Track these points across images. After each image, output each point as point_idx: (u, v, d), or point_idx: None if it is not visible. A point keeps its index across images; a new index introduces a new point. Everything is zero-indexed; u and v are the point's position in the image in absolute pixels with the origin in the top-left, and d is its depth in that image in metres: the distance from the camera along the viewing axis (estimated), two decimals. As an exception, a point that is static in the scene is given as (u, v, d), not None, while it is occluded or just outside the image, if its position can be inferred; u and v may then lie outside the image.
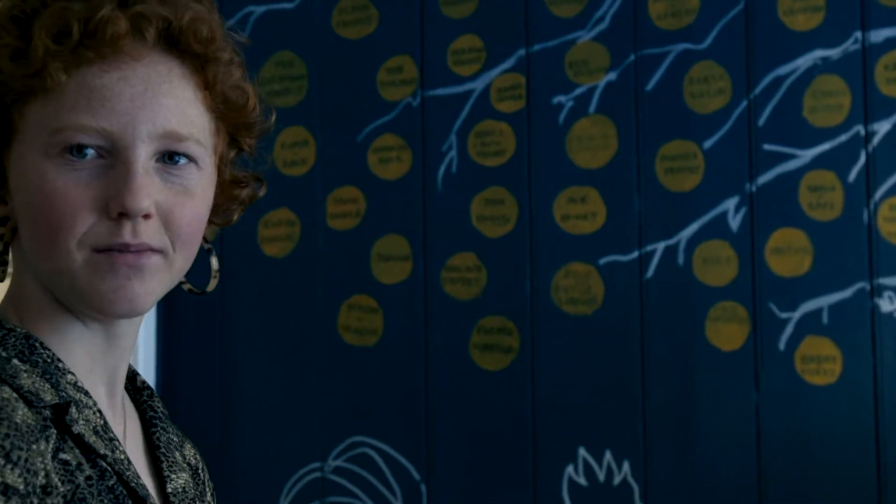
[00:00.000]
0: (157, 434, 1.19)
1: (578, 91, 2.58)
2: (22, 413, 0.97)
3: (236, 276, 2.65)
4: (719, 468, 2.46)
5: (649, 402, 2.50)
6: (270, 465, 2.67)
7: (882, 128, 2.45)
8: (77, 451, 1.01)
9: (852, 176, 2.45)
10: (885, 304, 2.42)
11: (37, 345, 1.06)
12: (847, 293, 2.44)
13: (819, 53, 2.48)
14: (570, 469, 2.53)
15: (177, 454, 1.20)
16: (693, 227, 2.51)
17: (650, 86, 2.55)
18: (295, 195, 2.70)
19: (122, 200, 1.02)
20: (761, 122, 2.49)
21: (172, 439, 1.21)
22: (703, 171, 2.51)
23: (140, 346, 2.65)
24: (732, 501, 2.45)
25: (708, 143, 2.51)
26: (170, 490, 1.14)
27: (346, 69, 2.70)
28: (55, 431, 1.00)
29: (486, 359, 2.58)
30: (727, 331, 2.48)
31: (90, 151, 1.03)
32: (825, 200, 2.46)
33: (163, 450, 1.18)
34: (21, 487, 0.93)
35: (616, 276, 2.53)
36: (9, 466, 0.92)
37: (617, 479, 2.51)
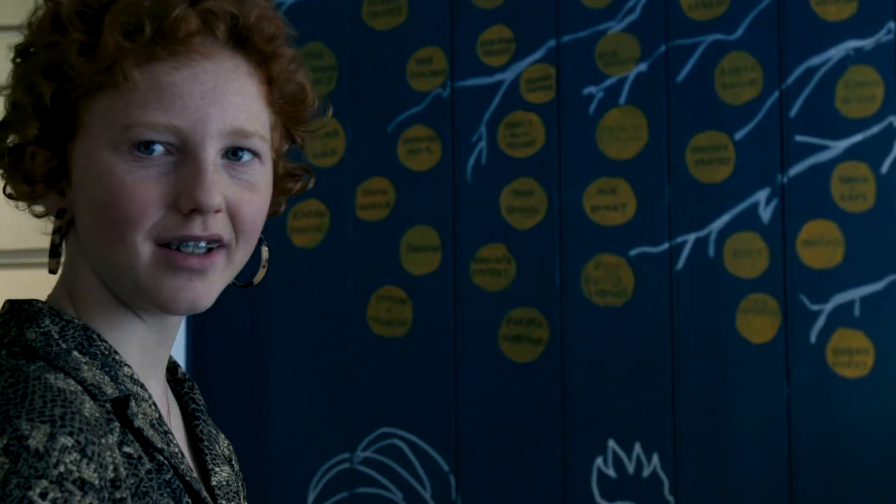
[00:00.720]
0: (200, 427, 1.19)
1: (609, 82, 2.57)
2: (89, 406, 0.98)
3: (266, 267, 2.64)
4: (749, 461, 2.45)
5: (679, 395, 2.49)
6: (300, 456, 2.67)
7: (915, 119, 2.43)
8: (137, 444, 1.02)
9: (885, 167, 2.44)
10: (918, 297, 2.41)
11: (94, 336, 1.07)
12: (879, 285, 2.43)
13: (852, 44, 2.46)
14: (599, 461, 2.52)
15: (216, 447, 1.20)
16: (724, 219, 2.50)
17: (681, 77, 2.53)
18: (324, 186, 2.70)
19: (196, 197, 1.03)
20: (793, 113, 2.48)
21: (212, 432, 1.22)
22: (734, 163, 2.50)
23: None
24: (763, 495, 2.44)
25: (739, 135, 2.50)
26: (214, 483, 1.15)
27: (376, 60, 2.70)
28: (118, 425, 1.01)
29: (515, 350, 2.58)
30: (758, 323, 2.47)
31: (159, 148, 1.04)
32: (857, 192, 2.45)
33: (206, 443, 1.18)
34: (96, 482, 0.93)
35: (646, 267, 2.53)
36: (84, 461, 0.93)
37: (646, 472, 2.50)
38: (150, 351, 1.11)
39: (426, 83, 2.67)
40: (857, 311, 2.43)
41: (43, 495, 0.89)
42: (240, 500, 1.17)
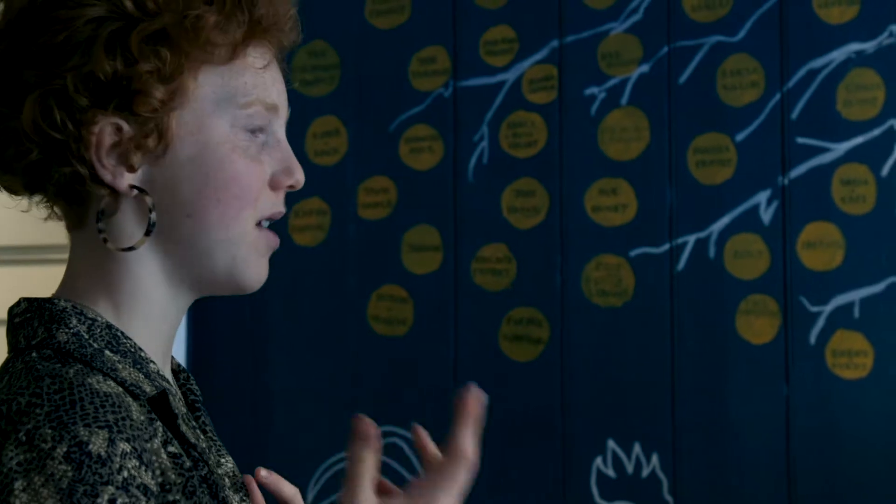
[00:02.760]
0: (202, 417, 1.18)
1: (611, 83, 2.57)
2: (135, 409, 0.98)
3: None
4: (749, 462, 2.46)
5: (679, 395, 2.49)
6: (299, 455, 2.68)
7: (916, 122, 2.43)
8: (176, 442, 1.01)
9: (885, 170, 2.44)
10: (918, 299, 2.42)
11: (119, 334, 1.05)
12: (879, 287, 2.43)
13: (853, 47, 2.47)
14: (598, 461, 2.52)
15: (218, 437, 1.20)
16: (724, 220, 2.50)
17: (683, 78, 2.54)
18: (326, 185, 2.70)
19: (296, 175, 1.10)
20: (794, 115, 2.48)
21: (212, 422, 1.21)
22: (735, 164, 2.50)
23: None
24: (762, 495, 2.45)
25: (740, 136, 2.51)
26: (221, 473, 1.13)
27: (379, 59, 2.70)
28: (160, 424, 1.00)
29: (515, 350, 2.58)
30: (758, 324, 2.47)
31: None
32: (858, 194, 2.45)
33: (210, 433, 1.17)
34: (154, 488, 0.93)
35: (647, 268, 2.53)
36: (143, 467, 0.93)
37: (646, 472, 2.50)
38: (166, 344, 1.11)
39: (428, 82, 2.67)
40: (856, 313, 2.43)
41: (111, 501, 0.88)
42: (244, 491, 1.16)
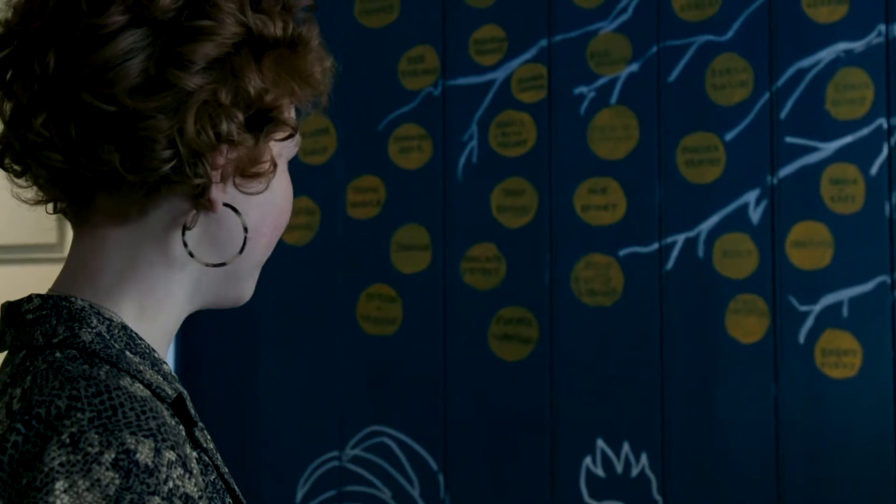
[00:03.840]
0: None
1: (600, 82, 2.57)
2: (167, 414, 0.98)
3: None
4: (738, 461, 2.46)
5: (668, 395, 2.49)
6: (289, 454, 2.67)
7: (905, 121, 2.44)
8: (190, 444, 1.01)
9: (874, 169, 2.44)
10: (906, 299, 2.42)
11: (134, 335, 1.05)
12: (868, 287, 2.43)
13: (842, 46, 2.47)
14: (587, 460, 2.52)
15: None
16: (713, 220, 2.50)
17: (672, 77, 2.54)
18: (315, 184, 2.70)
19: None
20: (783, 114, 2.49)
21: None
22: (724, 164, 2.50)
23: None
24: (751, 494, 2.45)
25: (729, 136, 2.51)
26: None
27: (368, 58, 2.70)
28: (182, 428, 1.00)
29: (504, 349, 2.58)
30: (747, 323, 2.47)
31: None
32: (847, 193, 2.45)
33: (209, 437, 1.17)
34: (196, 495, 0.93)
35: (636, 267, 2.53)
36: (187, 475, 0.93)
37: (635, 471, 2.51)
38: (168, 346, 1.12)
39: (418, 82, 2.67)
40: (845, 313, 2.44)
41: None
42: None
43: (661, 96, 2.54)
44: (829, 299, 2.44)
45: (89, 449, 0.89)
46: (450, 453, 2.59)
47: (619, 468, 2.51)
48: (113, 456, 0.89)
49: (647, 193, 2.53)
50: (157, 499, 0.89)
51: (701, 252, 2.50)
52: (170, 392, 1.02)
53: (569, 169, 2.57)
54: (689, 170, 2.52)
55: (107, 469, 0.88)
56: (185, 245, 1.05)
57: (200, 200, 1.03)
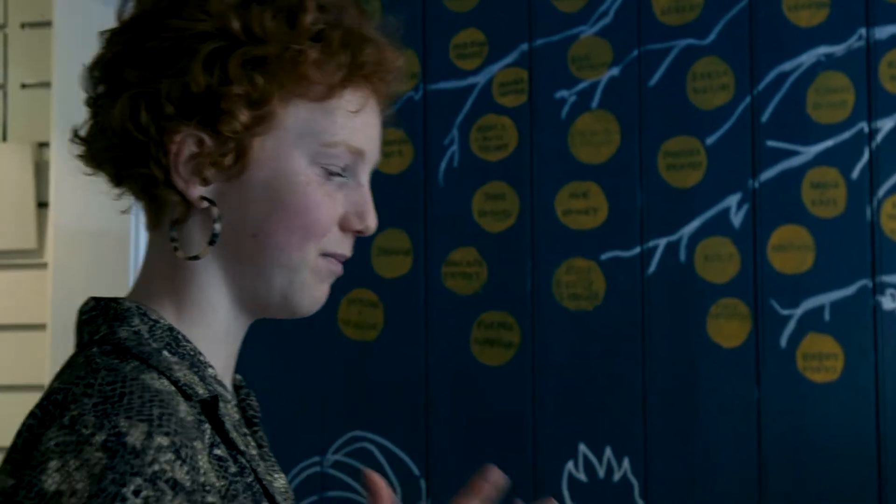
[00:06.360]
0: (259, 433, 1.21)
1: (581, 86, 2.57)
2: (184, 408, 1.00)
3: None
4: (720, 465, 2.46)
5: (650, 399, 2.49)
6: (270, 459, 2.66)
7: (886, 125, 2.44)
8: (223, 446, 1.04)
9: (855, 173, 2.44)
10: (888, 302, 2.42)
11: (180, 337, 1.08)
12: (849, 290, 2.43)
13: (823, 50, 2.47)
14: (570, 465, 2.52)
15: (272, 454, 1.21)
16: (695, 224, 2.50)
17: (653, 81, 2.54)
18: (296, 188, 2.69)
19: (367, 222, 1.15)
20: (764, 118, 2.49)
21: (267, 438, 1.23)
22: (705, 167, 2.50)
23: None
24: (733, 498, 2.45)
25: (711, 139, 2.51)
26: (276, 486, 1.16)
27: (348, 62, 2.69)
28: (209, 426, 1.03)
29: (486, 354, 2.57)
30: (728, 328, 2.47)
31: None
32: (828, 197, 2.46)
33: (265, 448, 1.20)
34: (187, 484, 0.94)
35: (617, 271, 2.53)
36: (178, 462, 0.94)
37: (617, 476, 2.50)
38: (229, 357, 1.16)
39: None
40: (827, 316, 2.44)
41: (136, 492, 0.91)
42: None
43: (642, 100, 2.54)
44: (810, 303, 2.45)
45: (83, 431, 0.92)
46: (431, 458, 2.58)
47: (602, 473, 2.51)
48: (104, 437, 0.92)
49: (628, 197, 2.53)
50: (138, 479, 0.91)
51: (682, 256, 2.50)
52: (200, 392, 1.04)
53: (550, 173, 2.57)
54: (671, 174, 2.52)
55: (96, 450, 0.91)
56: (172, 240, 1.08)
57: (174, 194, 1.07)
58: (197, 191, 1.07)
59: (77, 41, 2.59)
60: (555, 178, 2.57)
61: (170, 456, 0.93)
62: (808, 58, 2.48)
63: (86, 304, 1.10)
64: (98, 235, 2.55)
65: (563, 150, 2.57)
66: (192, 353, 1.08)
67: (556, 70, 2.58)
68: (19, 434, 0.98)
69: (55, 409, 0.96)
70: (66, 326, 2.52)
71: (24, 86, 2.76)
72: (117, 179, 1.12)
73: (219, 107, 1.05)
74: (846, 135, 2.45)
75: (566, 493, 2.52)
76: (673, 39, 2.53)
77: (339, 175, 1.11)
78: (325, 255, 1.12)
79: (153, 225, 1.11)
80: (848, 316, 2.43)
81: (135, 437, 0.93)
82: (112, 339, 1.05)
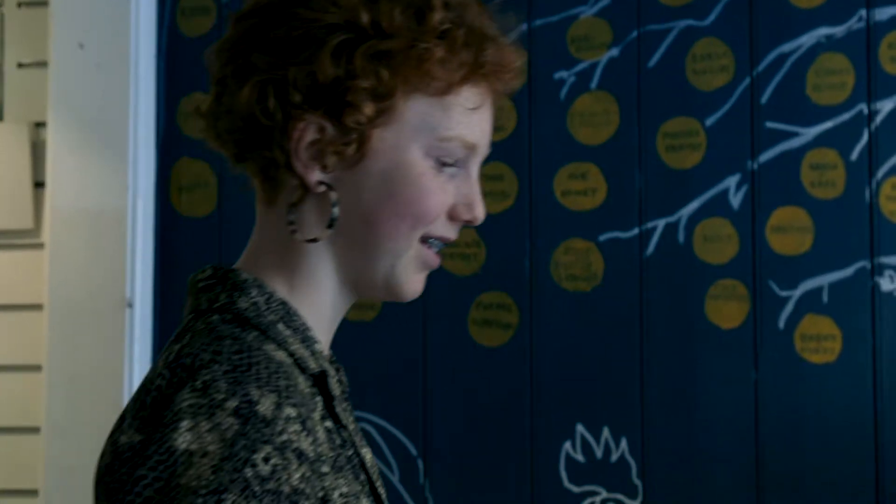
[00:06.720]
0: (349, 408, 1.22)
1: (580, 67, 2.56)
2: (302, 381, 1.06)
3: (235, 256, 2.63)
4: (717, 446, 2.46)
5: (648, 380, 2.49)
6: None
7: (885, 106, 2.44)
8: (330, 419, 1.09)
9: (855, 154, 2.44)
10: (886, 283, 2.42)
11: (292, 311, 1.12)
12: (848, 272, 2.44)
13: (823, 31, 2.47)
14: (567, 445, 2.52)
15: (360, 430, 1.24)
16: (694, 205, 2.50)
17: (653, 62, 2.53)
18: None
19: (476, 212, 1.17)
20: (764, 99, 2.48)
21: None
22: (704, 149, 2.50)
23: (136, 336, 2.63)
24: (730, 479, 2.45)
25: (710, 121, 2.50)
26: (368, 459, 1.19)
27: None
28: (320, 399, 1.09)
29: (484, 335, 2.57)
30: (727, 309, 2.47)
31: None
32: (827, 179, 2.45)
33: (356, 424, 1.21)
34: (311, 454, 0.99)
35: (616, 252, 2.53)
36: (304, 433, 0.99)
37: (615, 456, 2.51)
38: (327, 334, 1.18)
39: (397, 66, 2.65)
40: (825, 298, 2.44)
41: (266, 459, 0.94)
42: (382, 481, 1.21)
43: (641, 81, 2.54)
44: (808, 285, 2.45)
45: (216, 395, 0.97)
46: (429, 439, 2.58)
47: (599, 453, 2.51)
48: (236, 404, 0.96)
49: (627, 178, 2.53)
50: (268, 447, 0.95)
51: (681, 237, 2.50)
52: (312, 366, 1.09)
53: (549, 154, 2.57)
54: (670, 155, 2.52)
55: (229, 415, 0.95)
56: (290, 223, 1.12)
57: (293, 178, 1.11)
58: (315, 176, 1.11)
59: (74, 21, 2.58)
60: (554, 158, 2.56)
61: (297, 427, 0.98)
62: (807, 39, 2.47)
63: (202, 271, 1.15)
64: (95, 215, 2.55)
65: (562, 130, 2.56)
66: (302, 327, 1.12)
67: (556, 51, 2.57)
68: (147, 392, 1.01)
69: (183, 372, 1.00)
70: (62, 307, 2.53)
71: (20, 65, 2.75)
72: (238, 158, 1.15)
73: (344, 98, 1.08)
74: (846, 116, 2.45)
75: (564, 474, 2.52)
76: (672, 20, 2.53)
77: (452, 165, 1.14)
78: (430, 237, 1.15)
79: (268, 203, 1.15)
80: (846, 297, 2.43)
81: (265, 406, 0.97)
82: (232, 308, 1.09)
